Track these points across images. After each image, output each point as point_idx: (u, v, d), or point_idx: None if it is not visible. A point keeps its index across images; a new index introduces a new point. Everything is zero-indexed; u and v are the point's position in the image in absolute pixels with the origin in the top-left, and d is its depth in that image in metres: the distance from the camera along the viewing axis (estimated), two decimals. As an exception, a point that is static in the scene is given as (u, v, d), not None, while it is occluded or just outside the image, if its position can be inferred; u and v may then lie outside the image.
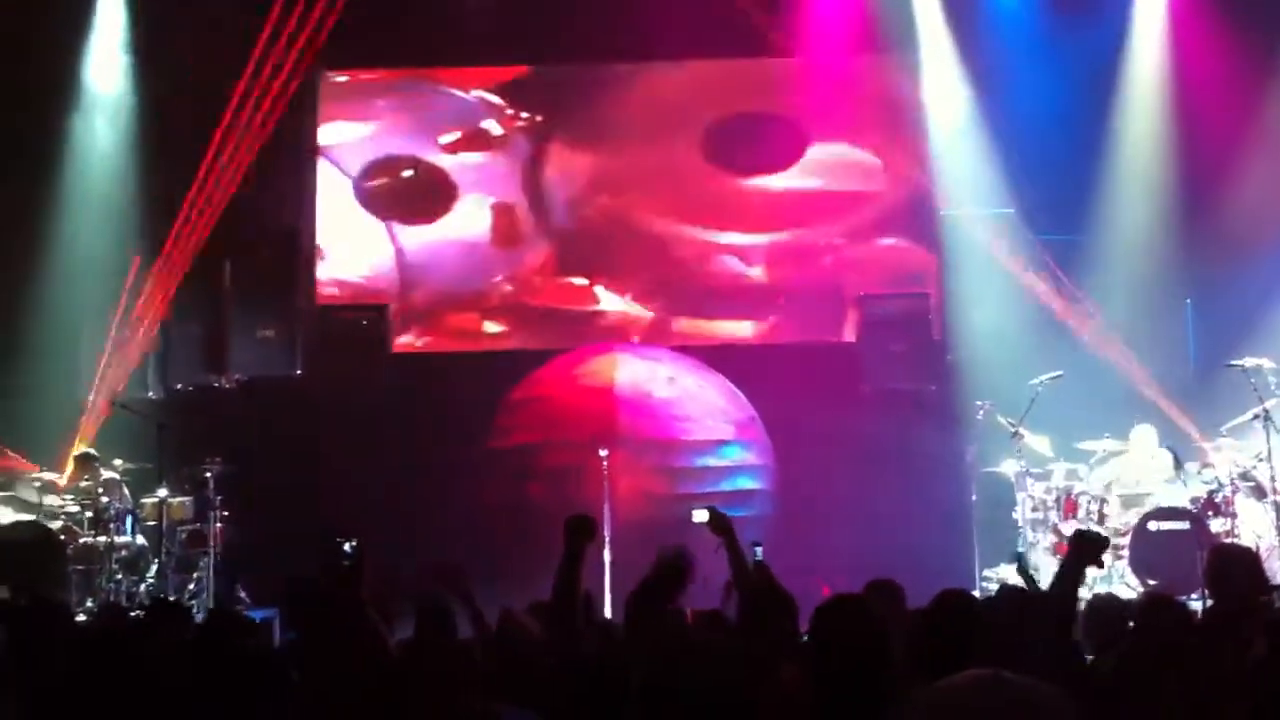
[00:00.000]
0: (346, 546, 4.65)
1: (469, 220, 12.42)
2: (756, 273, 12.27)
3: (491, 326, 12.63)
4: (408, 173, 12.32)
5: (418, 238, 12.63)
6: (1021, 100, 12.09)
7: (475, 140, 12.25)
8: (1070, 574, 4.67)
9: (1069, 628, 4.56)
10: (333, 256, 12.77)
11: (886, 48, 12.61)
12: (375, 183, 12.66)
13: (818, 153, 12.35)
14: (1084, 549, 4.72)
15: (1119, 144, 12.37)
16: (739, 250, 12.19)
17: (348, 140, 12.79)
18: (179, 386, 12.17)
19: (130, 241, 12.14)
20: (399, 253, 12.58)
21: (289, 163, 12.78)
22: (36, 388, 11.60)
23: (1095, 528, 10.40)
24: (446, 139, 12.47)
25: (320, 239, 12.74)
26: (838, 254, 12.26)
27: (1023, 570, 6.60)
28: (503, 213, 12.16)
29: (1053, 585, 4.66)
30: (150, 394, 12.01)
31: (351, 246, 12.80)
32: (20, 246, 11.96)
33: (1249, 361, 10.43)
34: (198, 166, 12.09)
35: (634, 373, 11.48)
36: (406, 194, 12.67)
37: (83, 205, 12.23)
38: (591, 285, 12.18)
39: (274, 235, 12.59)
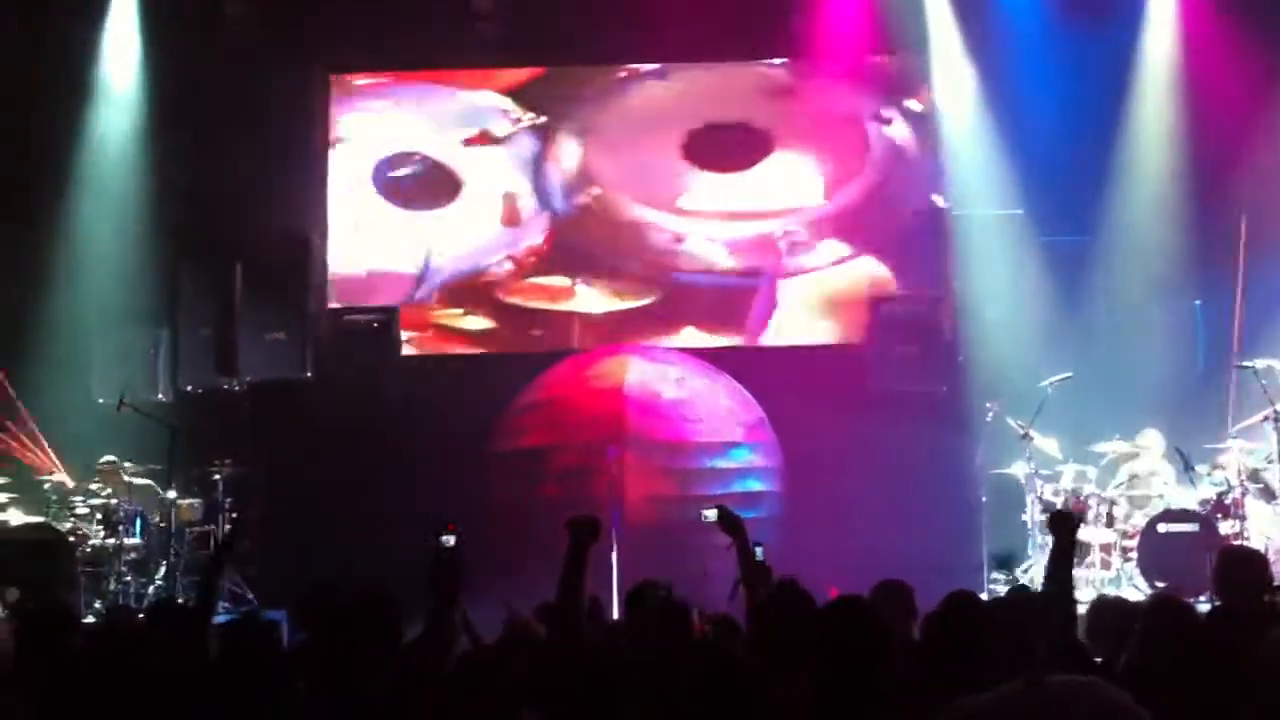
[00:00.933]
0: (448, 539, 4.49)
1: (476, 207, 12.83)
2: (720, 255, 12.75)
3: (479, 323, 12.87)
4: (412, 169, 12.90)
5: (427, 223, 12.93)
6: (1031, 101, 12.08)
7: (484, 138, 12.76)
8: (1060, 559, 4.68)
9: (1073, 624, 4.54)
10: (349, 245, 13.00)
11: (896, 50, 12.71)
12: (393, 174, 12.98)
13: (778, 159, 12.79)
14: (1062, 529, 4.75)
15: (1129, 144, 12.35)
16: (707, 236, 12.73)
17: (368, 134, 13.10)
18: (189, 389, 12.20)
19: (141, 241, 12.17)
20: (408, 235, 12.94)
21: (301, 164, 12.82)
22: (45, 387, 11.61)
23: (1104, 530, 10.40)
24: (458, 136, 12.88)
25: (335, 229, 12.94)
26: (791, 239, 12.78)
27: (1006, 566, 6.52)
28: (508, 198, 12.74)
29: (1046, 576, 4.67)
30: (159, 395, 12.03)
31: (367, 234, 13.03)
32: (30, 245, 12.00)
33: (1259, 363, 10.43)
34: (210, 166, 12.13)
35: (643, 374, 11.49)
36: (420, 184, 12.97)
37: (94, 203, 12.27)
38: (573, 284, 12.74)
39: (285, 237, 12.61)
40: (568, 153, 12.78)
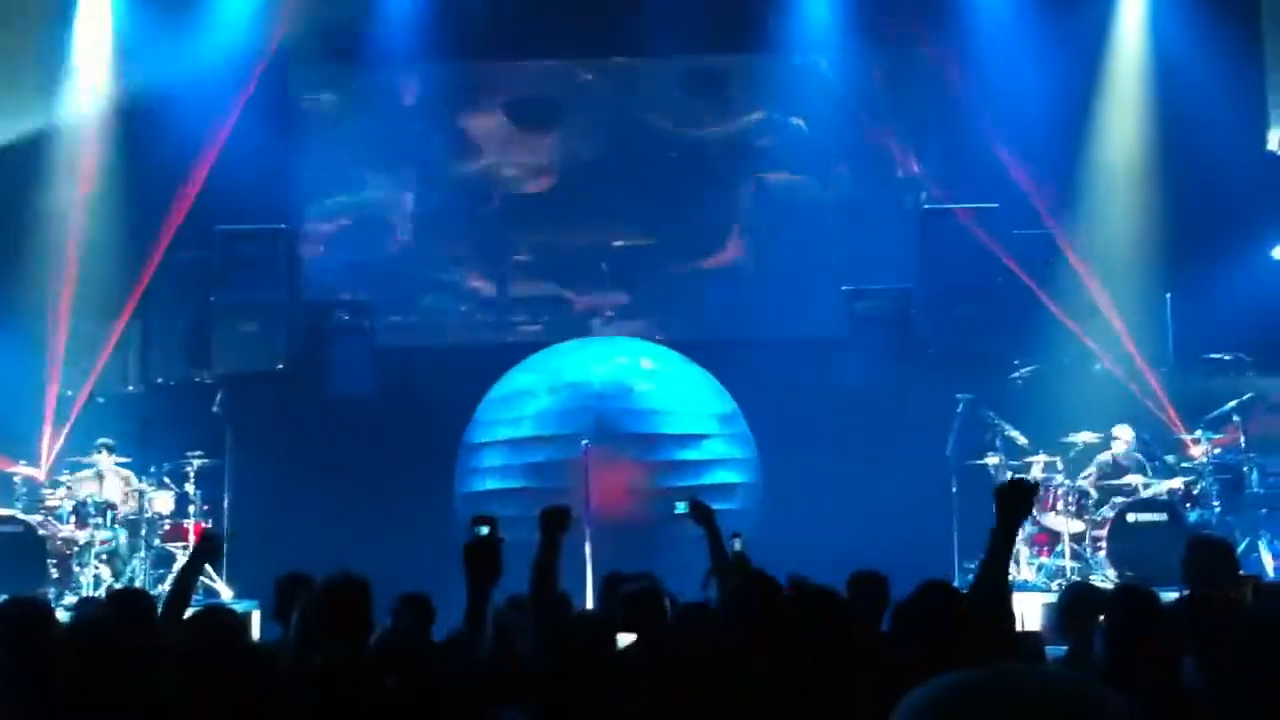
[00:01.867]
0: (482, 530, 4.46)
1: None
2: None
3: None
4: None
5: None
6: (1003, 93, 12.15)
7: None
8: (1003, 536, 4.26)
9: (1008, 612, 4.29)
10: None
11: (875, 42, 12.82)
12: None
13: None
14: (1013, 503, 4.28)
15: (1101, 138, 12.43)
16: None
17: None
18: (160, 381, 12.15)
19: (114, 232, 12.11)
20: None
21: (278, 154, 12.77)
22: (15, 378, 11.53)
23: (1074, 520, 10.47)
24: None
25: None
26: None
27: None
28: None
29: (983, 565, 4.37)
30: (130, 387, 11.98)
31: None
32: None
33: (1228, 355, 10.53)
34: (185, 156, 12.08)
35: (615, 365, 11.53)
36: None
37: (65, 191, 12.19)
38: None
39: (260, 228, 12.55)
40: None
